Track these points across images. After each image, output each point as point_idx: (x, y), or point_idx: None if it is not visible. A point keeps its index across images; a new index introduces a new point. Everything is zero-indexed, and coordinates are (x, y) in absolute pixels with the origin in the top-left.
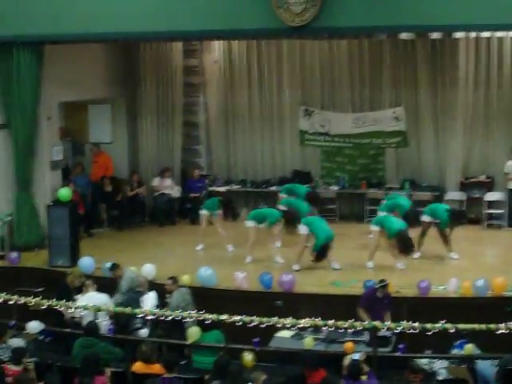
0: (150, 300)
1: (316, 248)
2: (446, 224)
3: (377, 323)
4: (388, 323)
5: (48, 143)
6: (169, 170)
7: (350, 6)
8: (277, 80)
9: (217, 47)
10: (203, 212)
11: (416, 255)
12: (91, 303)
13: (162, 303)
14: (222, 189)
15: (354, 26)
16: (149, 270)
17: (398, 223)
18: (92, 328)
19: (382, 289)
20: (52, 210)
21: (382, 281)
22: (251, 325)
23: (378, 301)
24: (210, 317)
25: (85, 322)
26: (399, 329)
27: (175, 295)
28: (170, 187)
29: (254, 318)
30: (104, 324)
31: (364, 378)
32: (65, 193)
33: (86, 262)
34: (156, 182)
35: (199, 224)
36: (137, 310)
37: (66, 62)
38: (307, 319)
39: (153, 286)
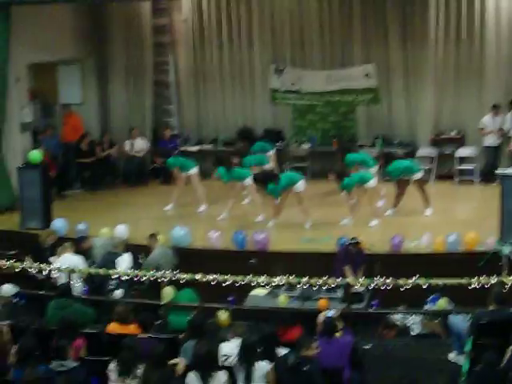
0: (125, 261)
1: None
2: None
3: (350, 280)
4: (361, 279)
5: (17, 105)
6: (134, 128)
7: None
8: (247, 38)
9: (186, 5)
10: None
11: (389, 211)
12: (66, 265)
13: (136, 264)
14: (194, 148)
15: None
16: (122, 230)
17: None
18: (65, 289)
19: (354, 246)
20: (23, 173)
21: (353, 239)
22: (226, 284)
23: (353, 256)
24: (185, 276)
25: (59, 283)
26: (372, 285)
27: (156, 251)
28: (142, 148)
29: (228, 276)
30: (77, 286)
31: (338, 334)
32: (35, 155)
33: (59, 224)
34: (127, 145)
35: (171, 183)
36: (111, 271)
37: (34, 23)
38: (281, 277)
39: (127, 246)
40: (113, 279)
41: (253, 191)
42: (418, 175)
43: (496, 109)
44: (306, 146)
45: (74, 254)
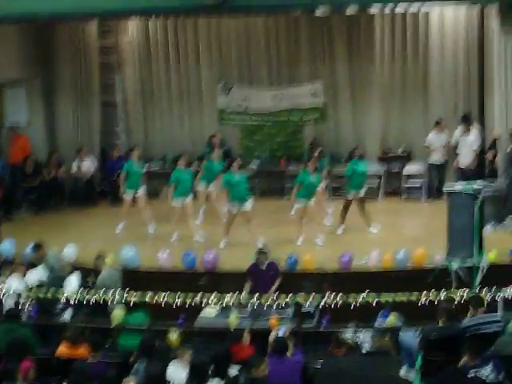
0: (72, 283)
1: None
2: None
3: (300, 298)
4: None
5: None
6: (82, 149)
7: None
8: (194, 58)
9: (132, 26)
10: (127, 193)
11: (339, 230)
12: (13, 287)
13: (84, 285)
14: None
15: (270, 3)
16: (70, 252)
17: None
18: (14, 313)
19: (259, 256)
20: None
21: (261, 249)
22: (176, 304)
23: (263, 273)
24: (134, 298)
25: (6, 305)
26: (322, 303)
27: (103, 274)
28: (90, 169)
29: (177, 296)
30: (26, 308)
31: (289, 353)
32: None
33: (7, 246)
34: (74, 167)
35: (120, 205)
36: (59, 294)
37: None
38: (231, 296)
39: (75, 268)
40: (61, 302)
41: (190, 210)
42: (362, 192)
43: (439, 125)
44: (254, 166)
45: (21, 278)
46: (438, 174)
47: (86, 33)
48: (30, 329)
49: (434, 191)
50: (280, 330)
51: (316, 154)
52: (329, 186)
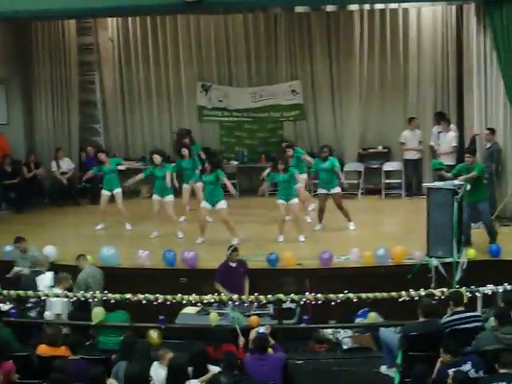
0: (46, 280)
1: None
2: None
3: (280, 295)
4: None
5: None
6: (60, 149)
7: None
8: (173, 56)
9: (111, 24)
10: (104, 192)
11: (317, 227)
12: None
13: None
14: (122, 167)
15: (249, 0)
16: (50, 251)
17: None
18: None
19: (230, 255)
20: None
21: (231, 246)
22: (156, 302)
23: (233, 271)
24: (114, 296)
25: None
26: (303, 300)
27: (85, 271)
28: (69, 168)
29: (158, 295)
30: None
31: (270, 350)
32: None
33: None
34: (53, 166)
35: (99, 203)
36: (41, 293)
37: None
38: (212, 294)
39: (53, 267)
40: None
41: (170, 207)
42: (336, 190)
43: (413, 122)
44: (234, 163)
45: None
46: (414, 169)
47: (65, 31)
48: (11, 333)
49: (412, 187)
50: (261, 328)
51: (289, 154)
52: (309, 184)
